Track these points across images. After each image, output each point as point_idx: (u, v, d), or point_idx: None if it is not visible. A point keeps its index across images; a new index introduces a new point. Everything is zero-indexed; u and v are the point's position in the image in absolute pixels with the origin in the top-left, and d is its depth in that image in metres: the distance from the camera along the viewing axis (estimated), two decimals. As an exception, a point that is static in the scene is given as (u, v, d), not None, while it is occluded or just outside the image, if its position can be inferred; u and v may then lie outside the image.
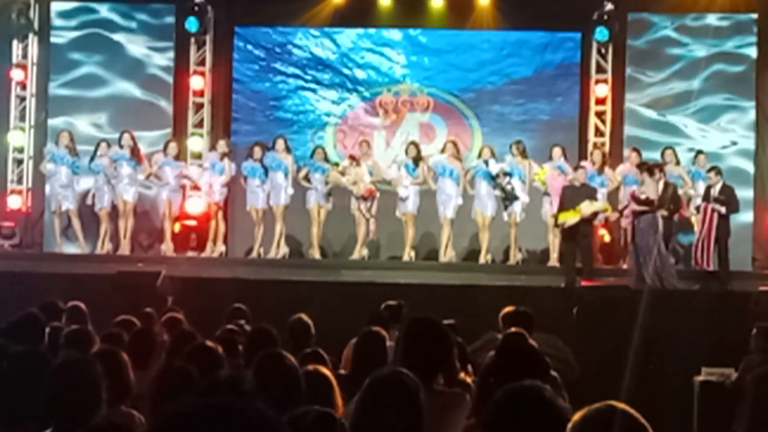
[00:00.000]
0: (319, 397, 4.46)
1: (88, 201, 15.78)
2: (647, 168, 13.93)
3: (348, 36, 17.67)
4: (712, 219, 14.23)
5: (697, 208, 14.60)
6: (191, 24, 16.88)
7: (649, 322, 10.56)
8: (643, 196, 13.48)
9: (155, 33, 17.50)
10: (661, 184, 13.78)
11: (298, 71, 17.64)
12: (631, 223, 13.72)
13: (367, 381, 3.91)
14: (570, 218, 13.80)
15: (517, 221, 15.14)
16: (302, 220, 15.71)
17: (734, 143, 16.77)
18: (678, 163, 15.32)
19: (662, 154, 15.31)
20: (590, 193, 14.00)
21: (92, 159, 15.63)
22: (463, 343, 6.75)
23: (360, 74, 17.63)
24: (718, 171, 14.58)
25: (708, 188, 14.51)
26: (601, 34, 16.54)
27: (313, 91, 17.64)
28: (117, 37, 17.39)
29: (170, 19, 17.40)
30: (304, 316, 7.73)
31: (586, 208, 13.70)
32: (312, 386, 4.64)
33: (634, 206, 13.56)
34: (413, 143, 15.86)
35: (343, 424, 3.89)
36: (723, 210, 14.17)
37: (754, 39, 16.86)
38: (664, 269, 13.26)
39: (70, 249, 16.08)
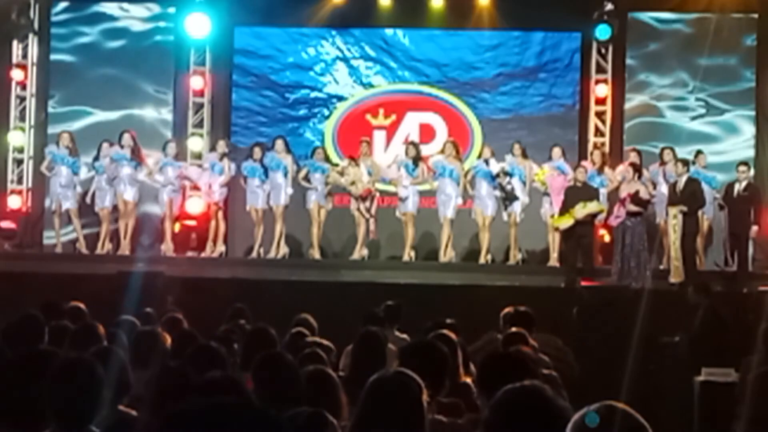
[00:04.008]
0: (325, 398, 4.45)
1: (88, 200, 15.78)
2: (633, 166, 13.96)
3: (348, 36, 17.67)
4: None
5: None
6: (194, 24, 16.83)
7: (649, 322, 10.55)
8: (644, 195, 13.50)
9: (154, 33, 17.49)
10: (683, 180, 13.74)
11: (297, 71, 17.64)
12: (621, 222, 13.68)
13: (368, 383, 3.88)
14: (564, 222, 13.86)
15: (517, 221, 15.14)
16: (302, 220, 15.71)
17: (734, 143, 16.76)
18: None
19: (661, 154, 15.28)
20: (591, 194, 13.99)
21: (96, 158, 15.64)
22: (463, 342, 6.74)
23: (360, 74, 17.62)
24: (684, 162, 14.03)
25: (673, 186, 13.90)
26: (601, 33, 16.53)
27: (313, 91, 17.63)
28: (116, 36, 17.38)
29: (170, 19, 17.38)
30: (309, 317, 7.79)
31: (579, 211, 13.69)
32: (317, 387, 4.63)
33: (630, 206, 13.54)
34: (413, 143, 15.87)
35: (333, 423, 3.88)
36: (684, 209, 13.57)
37: (754, 39, 16.87)
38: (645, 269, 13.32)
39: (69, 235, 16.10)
